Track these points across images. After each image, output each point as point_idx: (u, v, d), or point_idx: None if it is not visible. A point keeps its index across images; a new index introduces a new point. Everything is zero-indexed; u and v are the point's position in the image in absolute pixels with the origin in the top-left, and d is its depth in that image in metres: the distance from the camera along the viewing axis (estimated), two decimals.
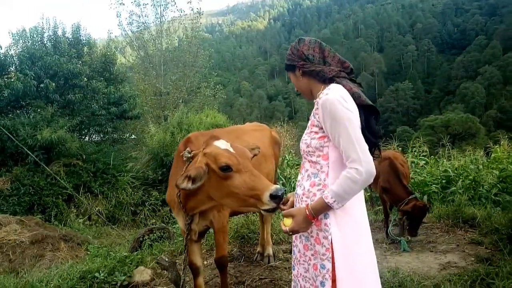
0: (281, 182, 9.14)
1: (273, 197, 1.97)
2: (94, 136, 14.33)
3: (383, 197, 4.93)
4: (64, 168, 10.52)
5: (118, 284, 3.68)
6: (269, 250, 4.14)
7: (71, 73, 12.27)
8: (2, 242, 6.96)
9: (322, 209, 1.71)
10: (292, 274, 2.04)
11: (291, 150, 13.45)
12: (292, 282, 2.03)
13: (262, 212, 2.09)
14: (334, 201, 1.65)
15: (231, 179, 2.18)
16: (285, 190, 2.06)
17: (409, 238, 4.61)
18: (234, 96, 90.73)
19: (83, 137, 13.73)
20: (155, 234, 5.15)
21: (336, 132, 1.70)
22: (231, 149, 2.34)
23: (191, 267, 3.19)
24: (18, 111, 11.88)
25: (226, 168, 2.19)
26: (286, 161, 10.55)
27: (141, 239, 5.05)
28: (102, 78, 14.09)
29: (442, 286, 3.14)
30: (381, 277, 3.28)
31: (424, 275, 3.48)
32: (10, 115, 11.42)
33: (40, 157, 9.77)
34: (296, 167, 10.35)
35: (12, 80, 11.40)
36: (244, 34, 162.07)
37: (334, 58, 1.91)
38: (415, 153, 9.65)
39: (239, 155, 2.30)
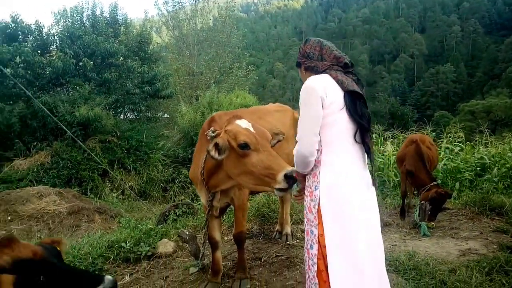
0: None
1: (287, 177, 2.08)
2: (128, 114, 14.82)
3: (404, 179, 4.97)
4: (100, 144, 11.02)
5: (143, 254, 3.90)
6: (288, 229, 4.22)
7: (108, 52, 12.66)
8: (43, 212, 7.46)
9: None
10: None
11: None
12: None
13: (275, 191, 2.17)
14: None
15: (248, 157, 2.29)
16: None
17: (433, 224, 4.56)
18: (267, 77, 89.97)
19: (118, 115, 14.22)
20: (180, 210, 5.36)
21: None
22: (251, 129, 2.42)
23: (211, 241, 3.33)
24: (58, 89, 12.46)
25: (245, 146, 2.30)
26: None
27: (166, 213, 5.27)
28: (137, 57, 14.43)
29: (458, 272, 3.10)
30: (396, 260, 3.30)
31: (442, 260, 3.44)
32: (51, 92, 11.99)
33: (77, 133, 10.27)
34: None
35: (53, 58, 11.93)
36: (279, 14, 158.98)
37: (330, 54, 2.20)
38: (450, 139, 9.32)
39: (259, 135, 2.39)
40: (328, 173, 1.99)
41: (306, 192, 2.09)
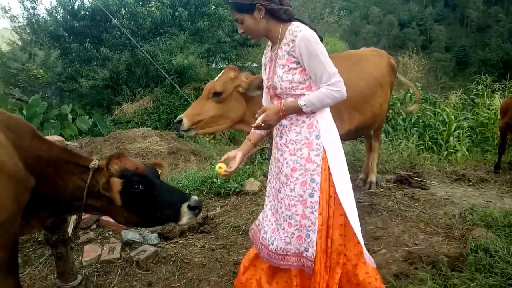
0: (401, 117, 8.68)
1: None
2: (219, 63, 15.33)
3: (503, 133, 4.59)
4: (194, 92, 11.75)
5: (232, 191, 4.26)
6: (372, 177, 4.18)
7: (201, 1, 13.02)
8: (147, 150, 8.41)
9: (292, 108, 1.90)
10: (269, 206, 2.14)
11: (417, 83, 12.38)
12: (267, 212, 2.13)
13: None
14: (304, 105, 1.86)
15: None
16: None
17: None
18: (361, 23, 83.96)
19: (210, 63, 14.80)
20: (266, 154, 5.61)
21: (314, 66, 1.85)
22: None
23: None
24: (157, 38, 13.32)
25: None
26: (409, 94, 9.81)
27: (253, 156, 5.58)
28: (228, 6, 14.54)
29: None
30: (488, 216, 3.12)
31: None
32: (151, 41, 12.89)
33: (174, 80, 11.06)
34: (420, 102, 9.60)
35: (153, 9, 12.69)
36: None
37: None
38: None
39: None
40: (325, 122, 1.96)
41: (295, 145, 1.96)
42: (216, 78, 2.86)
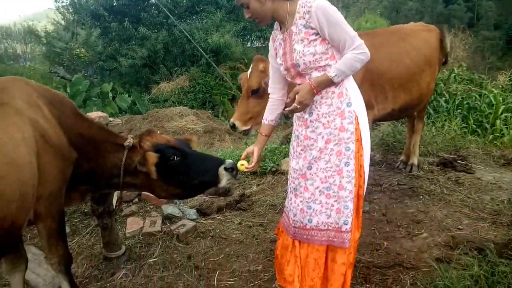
0: (443, 98, 8.27)
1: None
2: (254, 42, 15.19)
3: None
4: (229, 71, 11.75)
5: (268, 170, 4.27)
6: (414, 160, 4.03)
7: None
8: (184, 129, 8.57)
9: (323, 83, 1.86)
10: (290, 188, 2.11)
11: (463, 63, 11.73)
12: (296, 186, 2.06)
13: None
14: (335, 75, 1.82)
15: None
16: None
17: None
18: None
19: (245, 42, 14.70)
20: None
21: (336, 34, 1.80)
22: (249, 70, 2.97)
23: None
24: (193, 17, 13.34)
25: None
26: (453, 75, 9.31)
27: (289, 136, 5.53)
28: None
29: None
30: None
31: None
32: (188, 20, 12.92)
33: (211, 59, 11.10)
34: (464, 82, 9.09)
35: None
36: None
37: None
38: None
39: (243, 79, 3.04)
40: (353, 89, 1.93)
41: (328, 117, 1.90)
42: (248, 74, 2.93)
